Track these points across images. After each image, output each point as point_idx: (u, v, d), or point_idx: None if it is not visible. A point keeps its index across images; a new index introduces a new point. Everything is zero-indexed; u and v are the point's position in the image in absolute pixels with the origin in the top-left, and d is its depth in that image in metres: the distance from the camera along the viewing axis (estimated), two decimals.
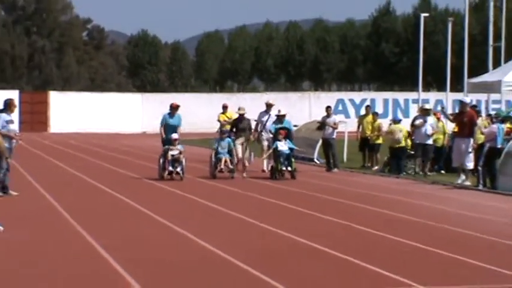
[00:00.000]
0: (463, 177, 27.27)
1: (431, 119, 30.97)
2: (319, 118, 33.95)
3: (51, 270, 12.92)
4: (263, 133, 30.89)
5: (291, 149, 28.58)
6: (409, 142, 31.48)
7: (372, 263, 13.51)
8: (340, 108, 70.78)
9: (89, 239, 15.71)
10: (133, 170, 32.04)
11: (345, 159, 35.88)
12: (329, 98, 73.41)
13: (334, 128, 33.08)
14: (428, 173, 30.12)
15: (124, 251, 14.45)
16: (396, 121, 32.65)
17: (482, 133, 27.54)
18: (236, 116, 33.08)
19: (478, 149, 27.13)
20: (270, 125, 30.88)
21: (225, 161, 28.15)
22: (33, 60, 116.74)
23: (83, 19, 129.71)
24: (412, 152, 31.15)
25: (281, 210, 20.82)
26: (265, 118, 31.20)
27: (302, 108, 69.09)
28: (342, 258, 14.13)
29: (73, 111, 71.15)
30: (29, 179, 27.11)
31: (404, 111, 66.58)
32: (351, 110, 71.97)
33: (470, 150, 27.35)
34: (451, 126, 31.57)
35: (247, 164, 30.36)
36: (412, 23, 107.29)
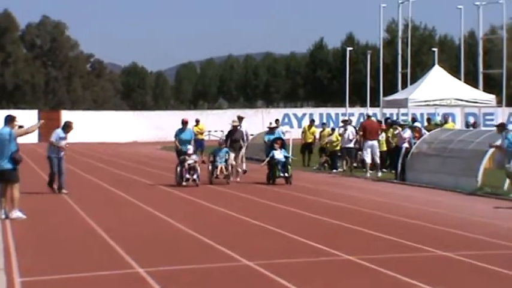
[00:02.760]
0: (370, 171, 27.76)
1: (351, 128, 31.06)
2: None
3: (63, 241, 13.04)
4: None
5: (286, 157, 25.78)
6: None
7: (310, 239, 13.64)
8: (286, 120, 70.82)
9: (90, 222, 15.77)
10: (130, 171, 31.88)
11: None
12: (278, 112, 73.45)
13: None
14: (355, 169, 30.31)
15: (116, 231, 14.56)
16: (333, 130, 33.30)
17: (395, 136, 28.04)
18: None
19: (394, 150, 27.54)
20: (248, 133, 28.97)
21: (221, 169, 25.31)
22: (48, 86, 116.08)
23: (86, 54, 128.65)
24: (339, 154, 31.39)
25: (246, 202, 20.77)
26: None
27: (256, 121, 68.52)
28: (285, 235, 14.19)
29: (80, 126, 70.25)
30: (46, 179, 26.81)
31: (335, 123, 66.93)
32: (295, 122, 72.06)
33: (377, 149, 28.21)
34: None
35: (240, 170, 27.12)
36: (340, 54, 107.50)
